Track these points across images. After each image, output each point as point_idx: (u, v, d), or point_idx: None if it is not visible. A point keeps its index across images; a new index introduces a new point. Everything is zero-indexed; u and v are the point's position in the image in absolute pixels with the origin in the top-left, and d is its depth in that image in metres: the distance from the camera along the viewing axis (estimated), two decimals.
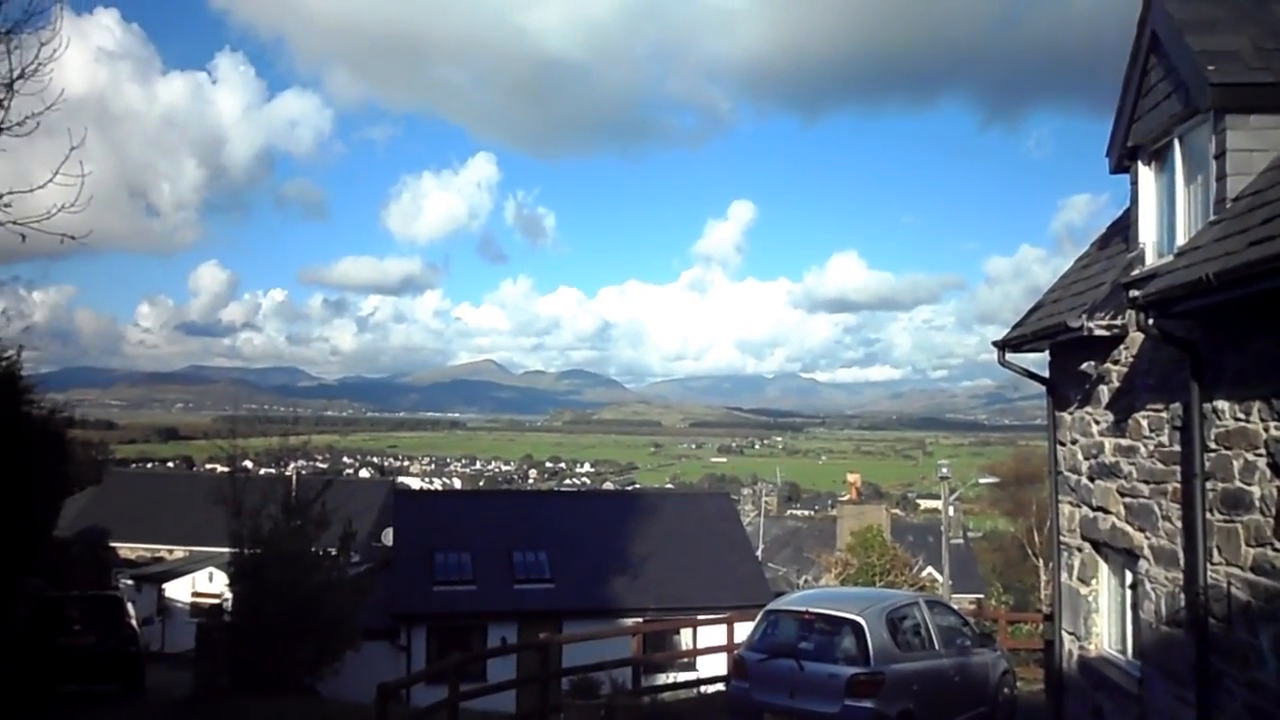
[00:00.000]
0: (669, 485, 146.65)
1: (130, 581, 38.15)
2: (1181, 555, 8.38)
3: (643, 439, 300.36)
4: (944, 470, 41.98)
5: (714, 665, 19.36)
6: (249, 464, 27.96)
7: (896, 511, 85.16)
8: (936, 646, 12.33)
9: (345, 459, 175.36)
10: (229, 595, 22.60)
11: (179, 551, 44.26)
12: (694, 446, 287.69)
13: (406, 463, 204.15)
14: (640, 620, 24.19)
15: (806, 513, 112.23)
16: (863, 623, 11.33)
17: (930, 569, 43.03)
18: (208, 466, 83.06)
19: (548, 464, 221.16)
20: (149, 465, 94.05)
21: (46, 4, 10.26)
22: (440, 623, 29.88)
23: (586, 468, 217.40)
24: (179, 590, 38.78)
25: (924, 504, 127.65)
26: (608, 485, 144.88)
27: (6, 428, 15.42)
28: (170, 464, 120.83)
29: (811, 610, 12.06)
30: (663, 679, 20.99)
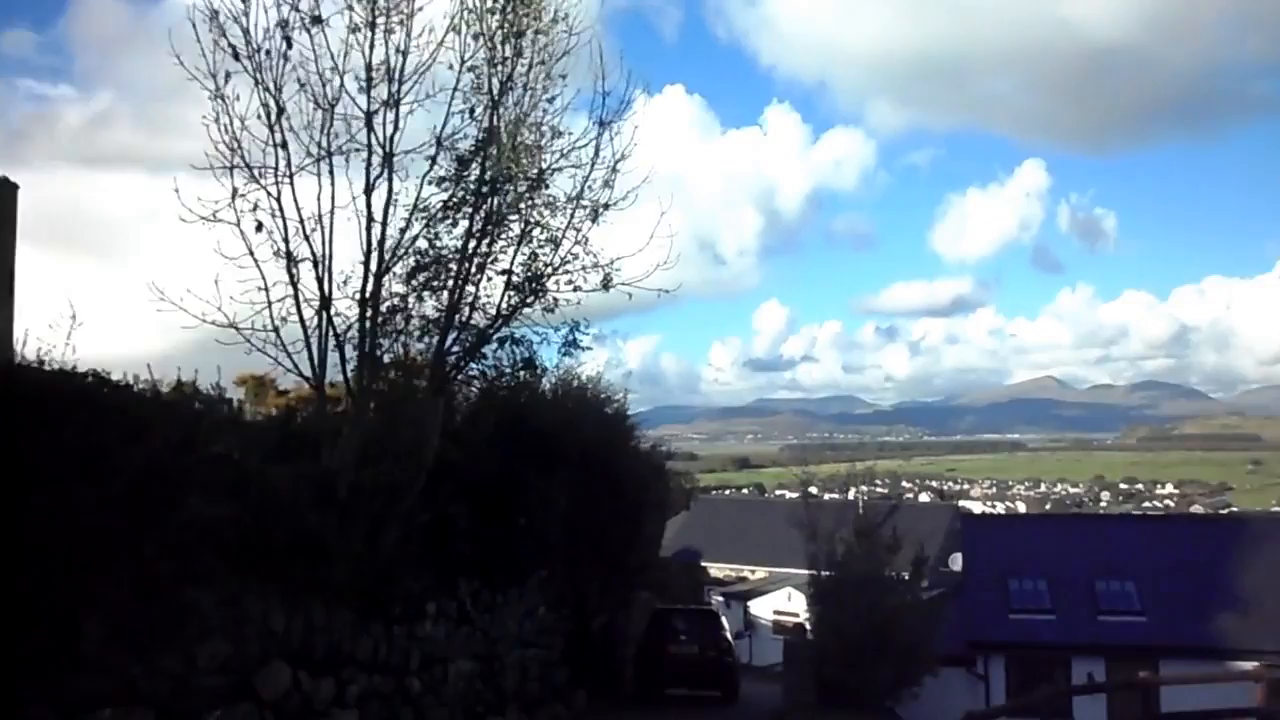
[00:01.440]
0: (1276, 508, 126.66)
1: (720, 598, 41.78)
2: None
3: (1236, 455, 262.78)
4: None
5: None
6: (814, 489, 29.35)
7: None
8: None
9: (904, 483, 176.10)
10: (808, 615, 23.80)
11: (760, 572, 47.55)
12: None
13: (966, 486, 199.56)
14: (1260, 664, 21.15)
15: None
16: None
17: None
18: (777, 493, 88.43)
19: (1122, 485, 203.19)
20: (726, 492, 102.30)
21: (634, 94, 11.97)
22: (1018, 653, 28.65)
23: (1168, 489, 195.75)
24: (761, 608, 41.69)
25: None
26: (1196, 508, 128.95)
27: (625, 460, 17.96)
28: (744, 490, 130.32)
29: None
30: None
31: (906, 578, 21.43)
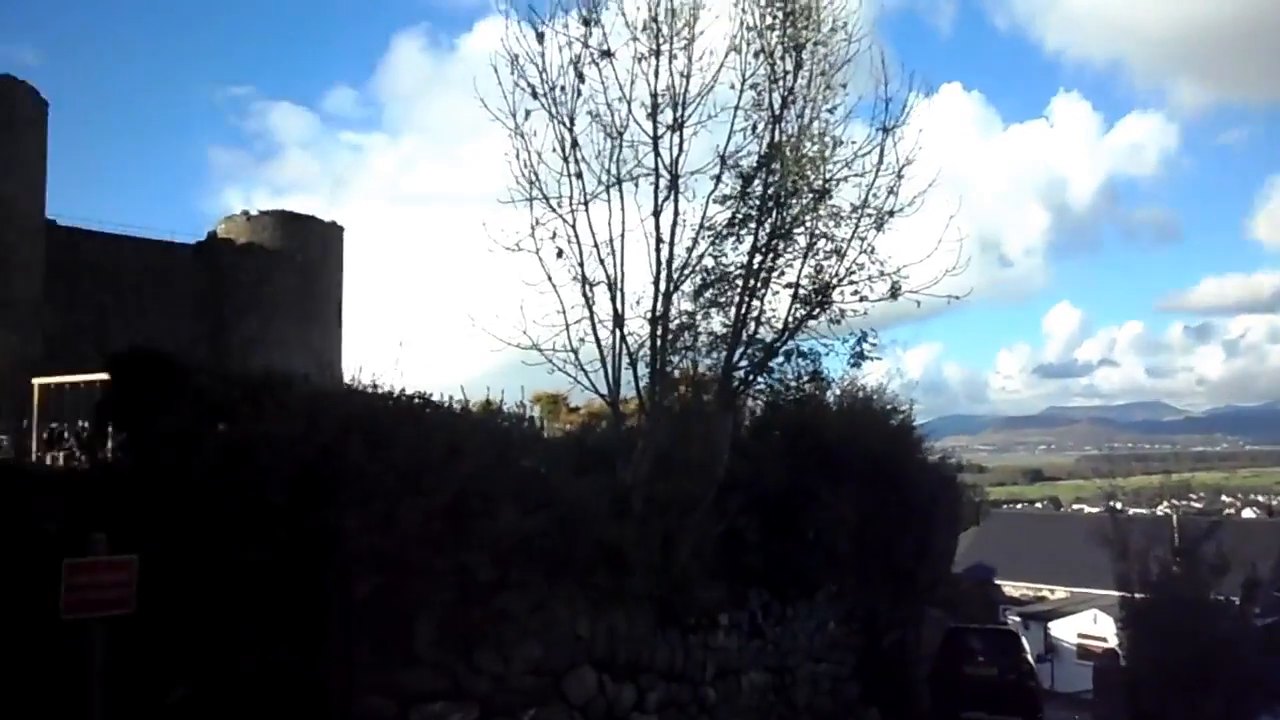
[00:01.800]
0: None
1: (1017, 618, 39.61)
2: None
3: None
4: None
5: None
6: (1117, 504, 27.27)
7: None
8: None
9: (1223, 497, 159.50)
10: (1119, 639, 22.15)
11: (1059, 591, 44.72)
12: None
13: None
14: None
15: None
16: None
17: None
18: (1074, 507, 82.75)
19: None
20: (1019, 506, 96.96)
21: (914, 97, 11.68)
22: None
23: None
24: (1063, 630, 39.17)
25: None
26: None
27: (913, 472, 17.47)
28: (1038, 504, 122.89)
29: None
30: None
31: (1237, 602, 19.50)
